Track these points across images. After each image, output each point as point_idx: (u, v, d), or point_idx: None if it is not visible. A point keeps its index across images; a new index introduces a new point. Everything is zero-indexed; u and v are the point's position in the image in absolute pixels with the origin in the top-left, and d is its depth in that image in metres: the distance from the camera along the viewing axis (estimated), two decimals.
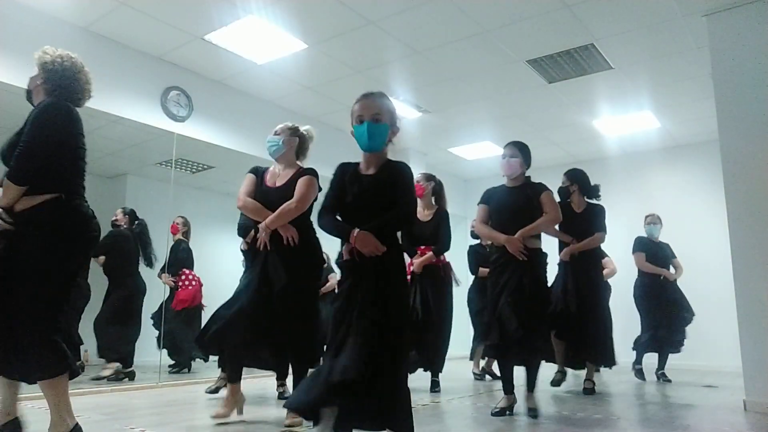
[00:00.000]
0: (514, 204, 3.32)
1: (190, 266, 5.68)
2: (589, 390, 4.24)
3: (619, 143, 7.30)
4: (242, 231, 3.65)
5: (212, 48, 4.83)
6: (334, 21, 4.40)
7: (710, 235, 6.35)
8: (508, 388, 3.27)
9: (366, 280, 2.05)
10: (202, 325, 5.48)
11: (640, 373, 5.26)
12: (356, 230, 2.03)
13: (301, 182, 2.95)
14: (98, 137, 5.21)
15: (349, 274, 2.11)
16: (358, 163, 2.19)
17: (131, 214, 5.02)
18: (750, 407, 3.53)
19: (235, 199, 3.05)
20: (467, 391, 4.47)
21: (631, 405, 3.88)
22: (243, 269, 3.31)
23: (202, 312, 5.60)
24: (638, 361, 5.31)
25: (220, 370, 3.93)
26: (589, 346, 4.18)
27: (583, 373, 4.51)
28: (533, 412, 3.18)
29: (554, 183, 4.39)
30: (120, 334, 4.70)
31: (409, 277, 4.23)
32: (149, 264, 4.93)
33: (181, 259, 5.60)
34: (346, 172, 2.18)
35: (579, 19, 4.35)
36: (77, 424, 2.11)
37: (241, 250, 3.75)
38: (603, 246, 4.46)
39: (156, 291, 5.45)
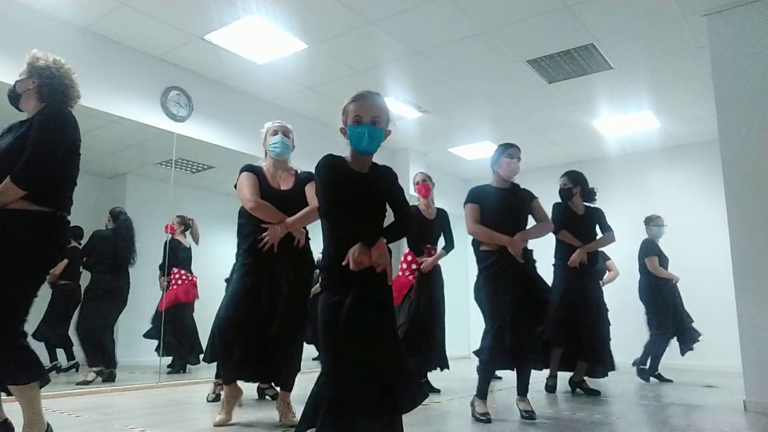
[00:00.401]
0: (509, 206, 3.30)
1: (183, 266, 5.62)
2: (589, 390, 4.24)
3: (619, 143, 7.30)
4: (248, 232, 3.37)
5: (212, 48, 4.83)
6: (334, 21, 4.40)
7: (710, 235, 6.36)
8: (487, 390, 3.20)
9: (380, 292, 1.95)
10: (194, 323, 5.51)
11: (643, 372, 5.23)
12: (384, 239, 1.94)
13: (313, 188, 2.96)
14: (98, 137, 5.21)
15: (353, 284, 1.90)
16: (344, 158, 2.06)
17: (115, 215, 4.97)
18: (750, 407, 3.53)
19: (235, 198, 2.98)
20: (467, 391, 4.46)
21: (631, 405, 3.88)
22: (242, 268, 3.13)
23: (192, 311, 5.52)
24: (644, 361, 5.26)
25: (215, 377, 3.89)
26: (590, 350, 4.15)
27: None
28: (531, 414, 3.15)
29: (554, 183, 4.40)
30: (93, 338, 4.67)
31: (413, 276, 4.23)
32: (123, 262, 4.84)
33: (181, 259, 5.59)
34: (340, 166, 2.04)
35: (579, 19, 4.35)
36: (49, 424, 2.14)
37: (244, 249, 3.53)
38: (605, 248, 4.46)
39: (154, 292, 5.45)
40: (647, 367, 5.24)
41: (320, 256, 2.08)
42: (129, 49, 4.82)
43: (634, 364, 5.36)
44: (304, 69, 5.26)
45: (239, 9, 4.23)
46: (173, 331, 5.35)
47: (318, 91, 5.74)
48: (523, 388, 3.23)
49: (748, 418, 3.29)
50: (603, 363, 4.29)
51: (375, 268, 1.90)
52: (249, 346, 2.79)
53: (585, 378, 4.34)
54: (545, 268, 4.05)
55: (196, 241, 5.66)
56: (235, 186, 2.99)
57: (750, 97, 3.83)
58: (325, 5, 4.17)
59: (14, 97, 2.31)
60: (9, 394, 2.14)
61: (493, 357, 3.09)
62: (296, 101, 6.00)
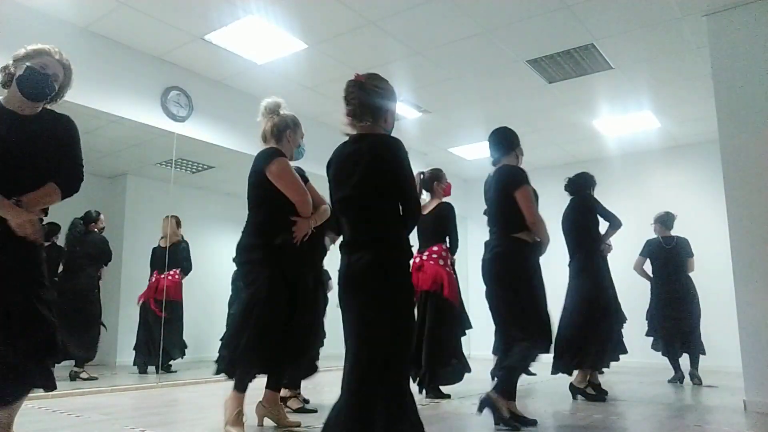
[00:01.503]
0: None
1: (180, 265, 5.62)
2: (593, 396, 4.15)
3: (619, 143, 7.30)
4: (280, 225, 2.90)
5: (212, 48, 4.83)
6: (334, 21, 4.40)
7: (710, 235, 6.34)
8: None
9: None
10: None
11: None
12: None
13: (314, 189, 2.95)
14: (98, 137, 5.21)
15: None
16: None
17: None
18: (750, 407, 3.53)
19: (236, 198, 2.98)
20: (467, 391, 4.47)
21: (631, 405, 3.87)
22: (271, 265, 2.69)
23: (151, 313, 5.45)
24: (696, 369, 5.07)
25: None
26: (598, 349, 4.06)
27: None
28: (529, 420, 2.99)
29: (554, 183, 4.41)
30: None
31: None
32: (64, 265, 4.89)
33: (179, 259, 5.59)
34: None
35: (579, 19, 4.35)
36: None
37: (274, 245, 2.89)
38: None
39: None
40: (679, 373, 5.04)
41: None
42: (129, 49, 4.81)
43: (694, 381, 5.04)
44: (304, 69, 5.26)
45: (239, 9, 4.23)
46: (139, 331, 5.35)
47: (318, 91, 5.74)
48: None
49: (748, 418, 3.29)
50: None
51: None
52: (277, 347, 2.66)
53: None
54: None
55: (169, 239, 5.64)
56: (262, 168, 2.70)
57: (750, 97, 3.83)
58: (325, 5, 4.17)
59: (44, 96, 2.12)
60: None
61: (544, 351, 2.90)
62: (296, 101, 5.96)
